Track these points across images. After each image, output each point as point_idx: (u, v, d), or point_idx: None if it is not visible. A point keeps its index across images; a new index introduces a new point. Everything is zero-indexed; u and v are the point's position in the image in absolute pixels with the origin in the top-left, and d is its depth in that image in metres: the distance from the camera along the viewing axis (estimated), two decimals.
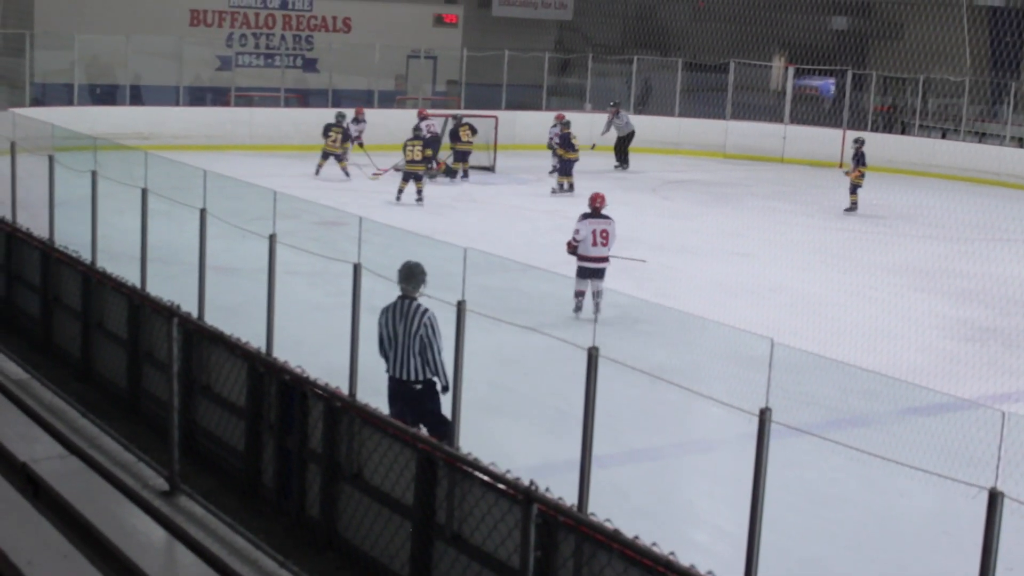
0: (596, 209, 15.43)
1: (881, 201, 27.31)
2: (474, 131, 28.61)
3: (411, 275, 9.52)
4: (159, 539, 8.04)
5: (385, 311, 9.58)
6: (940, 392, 11.20)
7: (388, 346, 9.56)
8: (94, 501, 8.31)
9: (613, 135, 32.29)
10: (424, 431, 8.41)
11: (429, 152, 25.78)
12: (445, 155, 28.21)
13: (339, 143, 26.90)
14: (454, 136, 28.30)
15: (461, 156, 28.28)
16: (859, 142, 26.37)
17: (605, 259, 15.26)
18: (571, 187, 26.52)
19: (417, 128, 25.94)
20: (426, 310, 9.45)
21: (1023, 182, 30.34)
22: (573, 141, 27.09)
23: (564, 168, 27.01)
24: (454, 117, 29.18)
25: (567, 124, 28.02)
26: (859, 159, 25.84)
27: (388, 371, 9.64)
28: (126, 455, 9.64)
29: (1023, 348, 15.56)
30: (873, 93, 34.88)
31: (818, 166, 33.30)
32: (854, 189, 25.77)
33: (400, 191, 24.48)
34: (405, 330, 9.44)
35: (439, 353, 9.46)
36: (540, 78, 35.54)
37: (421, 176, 24.51)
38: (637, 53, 37.26)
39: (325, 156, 26.91)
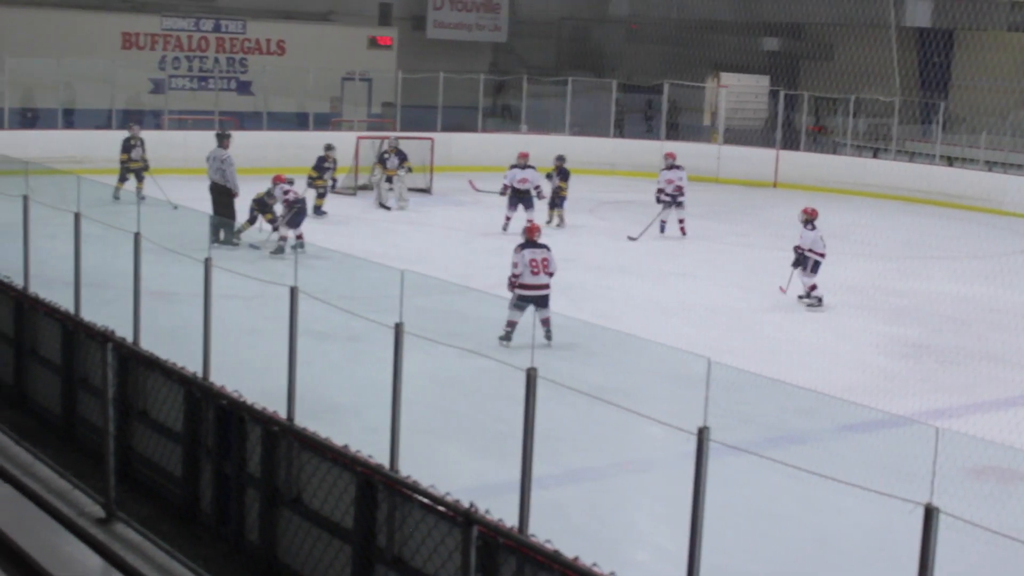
0: (530, 240, 15.46)
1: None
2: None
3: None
4: (95, 567, 7.96)
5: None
6: (876, 409, 11.30)
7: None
8: (28, 529, 8.22)
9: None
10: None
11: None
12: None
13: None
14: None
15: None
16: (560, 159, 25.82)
17: (546, 286, 15.29)
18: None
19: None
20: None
21: (953, 200, 30.73)
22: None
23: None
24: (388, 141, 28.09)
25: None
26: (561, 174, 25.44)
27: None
28: (61, 482, 9.53)
29: (956, 364, 15.76)
30: (805, 113, 35.23)
31: (752, 186, 33.57)
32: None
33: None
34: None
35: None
36: (476, 100, 35.57)
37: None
38: (572, 74, 37.39)
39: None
